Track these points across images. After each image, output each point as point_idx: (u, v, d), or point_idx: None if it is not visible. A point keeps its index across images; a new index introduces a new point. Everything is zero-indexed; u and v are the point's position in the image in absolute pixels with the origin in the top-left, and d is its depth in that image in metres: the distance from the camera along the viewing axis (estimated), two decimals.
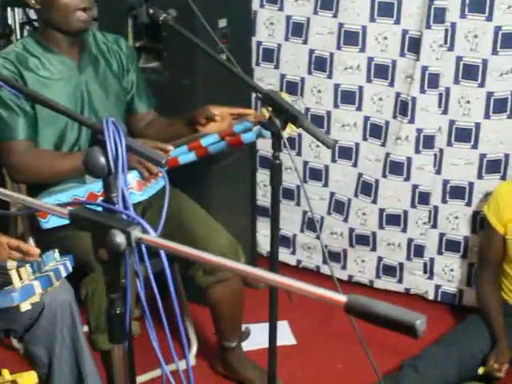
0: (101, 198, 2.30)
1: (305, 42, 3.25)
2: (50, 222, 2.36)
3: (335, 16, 3.13)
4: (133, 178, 2.34)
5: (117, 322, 1.21)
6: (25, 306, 1.58)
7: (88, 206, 1.30)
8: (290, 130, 2.05)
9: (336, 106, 3.26)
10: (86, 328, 2.36)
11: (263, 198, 3.64)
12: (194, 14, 2.57)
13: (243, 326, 2.84)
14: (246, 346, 2.92)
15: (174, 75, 3.01)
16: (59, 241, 2.33)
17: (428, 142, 3.09)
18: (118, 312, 1.21)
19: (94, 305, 2.28)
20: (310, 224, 3.54)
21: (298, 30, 3.25)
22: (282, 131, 1.91)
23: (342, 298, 0.98)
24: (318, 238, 3.51)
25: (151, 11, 2.12)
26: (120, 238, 1.10)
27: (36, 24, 3.83)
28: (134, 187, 2.34)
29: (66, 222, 2.25)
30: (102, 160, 1.43)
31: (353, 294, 0.97)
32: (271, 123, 1.91)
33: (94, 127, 1.47)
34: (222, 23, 3.04)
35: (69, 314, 2.10)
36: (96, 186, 2.33)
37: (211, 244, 2.49)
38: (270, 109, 1.92)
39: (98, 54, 2.57)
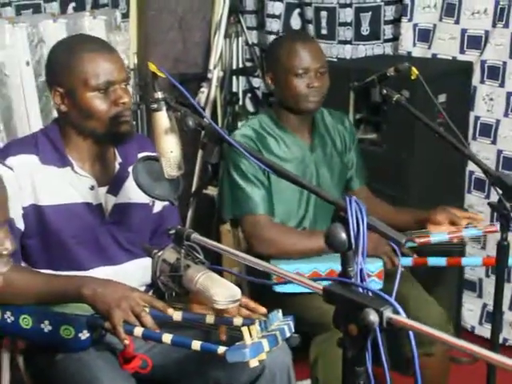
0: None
1: None
2: (284, 287, 2.39)
3: None
4: (377, 267, 2.37)
5: None
6: (253, 363, 1.63)
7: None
8: None
9: None
10: None
11: (471, 271, 3.59)
12: (418, 91, 2.64)
13: None
14: None
15: (392, 148, 3.08)
16: (282, 300, 2.42)
17: None
18: None
19: (323, 365, 2.35)
20: None
21: None
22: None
23: None
24: None
25: (385, 92, 2.21)
26: (373, 317, 1.17)
27: (258, 92, 4.09)
28: (376, 275, 2.37)
29: (300, 290, 2.34)
30: (343, 235, 1.51)
31: None
32: (501, 205, 1.92)
33: (338, 204, 1.56)
34: (442, 98, 3.09)
35: (286, 376, 2.13)
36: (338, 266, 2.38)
37: (422, 316, 2.49)
38: (500, 191, 1.94)
39: (325, 134, 2.68)
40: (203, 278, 1.60)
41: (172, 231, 1.59)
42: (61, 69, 2.04)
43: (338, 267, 2.36)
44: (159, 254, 1.63)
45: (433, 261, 2.40)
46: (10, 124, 3.36)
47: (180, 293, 1.66)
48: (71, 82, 2.02)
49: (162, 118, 1.79)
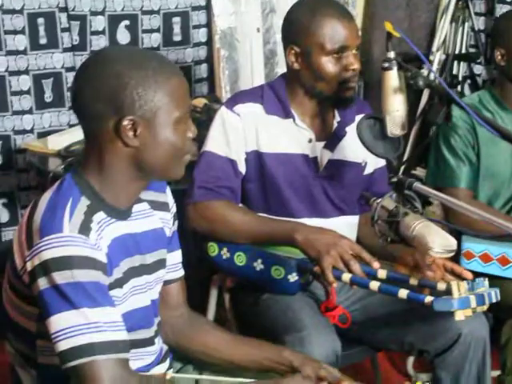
0: None
1: None
2: (471, 265, 2.37)
3: None
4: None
5: None
6: (459, 315, 1.65)
7: None
8: None
9: None
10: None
11: None
12: None
13: None
14: None
15: None
16: None
17: None
18: None
19: None
20: None
21: None
22: None
23: None
24: None
25: None
26: None
27: (478, 79, 4.02)
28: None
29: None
30: None
31: None
32: None
33: None
34: None
35: (481, 349, 2.10)
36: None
37: None
38: None
39: None
40: (420, 226, 1.63)
41: (394, 179, 1.64)
42: (300, 29, 2.12)
43: None
44: (378, 200, 1.68)
45: None
46: (235, 86, 3.56)
47: (394, 240, 1.70)
48: (308, 44, 2.11)
49: (392, 77, 1.84)
